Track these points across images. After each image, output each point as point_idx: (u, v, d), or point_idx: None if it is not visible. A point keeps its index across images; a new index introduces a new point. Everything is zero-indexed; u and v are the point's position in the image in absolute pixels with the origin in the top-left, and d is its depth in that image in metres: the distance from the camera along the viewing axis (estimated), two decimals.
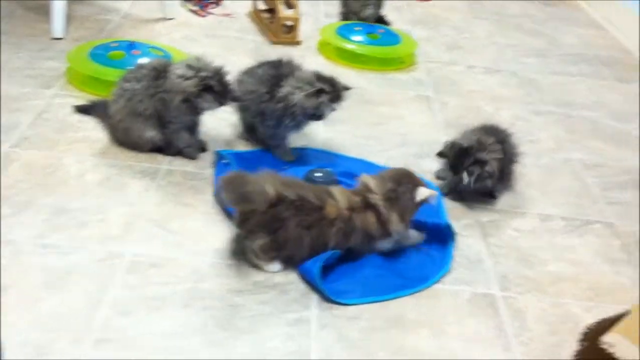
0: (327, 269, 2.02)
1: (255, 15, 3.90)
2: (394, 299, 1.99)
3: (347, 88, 2.47)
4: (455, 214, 2.40)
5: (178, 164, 2.46)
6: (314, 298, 1.95)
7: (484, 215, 2.43)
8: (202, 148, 2.56)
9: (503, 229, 2.38)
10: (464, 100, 3.30)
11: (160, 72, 2.40)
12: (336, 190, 2.05)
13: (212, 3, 4.00)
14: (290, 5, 3.65)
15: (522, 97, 3.45)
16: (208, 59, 2.40)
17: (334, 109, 2.42)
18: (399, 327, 1.89)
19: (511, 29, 4.41)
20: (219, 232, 2.14)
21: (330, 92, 2.39)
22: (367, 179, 2.07)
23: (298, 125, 2.49)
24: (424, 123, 3.04)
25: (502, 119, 3.13)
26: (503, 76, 3.66)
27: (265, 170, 2.03)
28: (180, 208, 2.24)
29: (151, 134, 2.44)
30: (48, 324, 1.73)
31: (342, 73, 2.52)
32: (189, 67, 2.36)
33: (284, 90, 2.41)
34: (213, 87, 2.35)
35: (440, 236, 2.22)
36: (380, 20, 3.95)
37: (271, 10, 3.76)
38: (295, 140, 2.63)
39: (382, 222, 2.02)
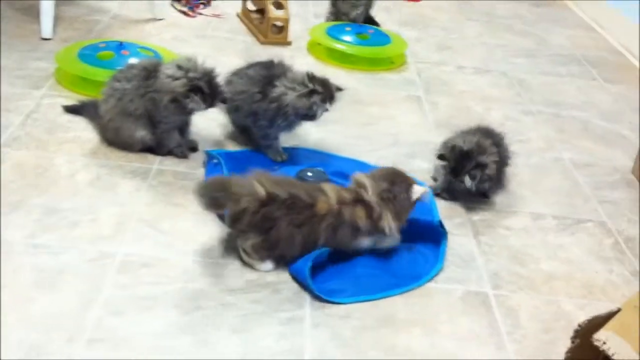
0: (319, 268, 2.02)
1: (245, 15, 3.90)
2: (386, 298, 1.99)
3: (339, 89, 2.47)
4: (447, 213, 2.40)
5: (169, 164, 2.45)
6: (307, 297, 1.94)
7: (475, 214, 2.44)
8: (193, 148, 2.55)
9: (495, 227, 2.39)
10: (454, 101, 3.30)
11: (150, 71, 2.40)
12: (327, 187, 2.04)
13: (201, 4, 3.99)
14: (279, 6, 3.65)
15: (512, 97, 3.46)
16: (199, 59, 2.39)
17: (327, 110, 2.42)
18: (392, 326, 1.89)
19: (500, 30, 4.42)
20: (210, 232, 2.13)
21: (322, 92, 2.39)
22: (361, 177, 2.07)
23: (290, 126, 2.49)
24: (414, 123, 3.04)
25: (493, 119, 3.14)
26: (493, 76, 3.67)
27: (256, 170, 2.03)
28: (171, 208, 2.23)
29: (142, 133, 2.43)
30: (40, 324, 1.72)
31: (332, 73, 2.52)
32: (179, 67, 2.36)
33: (277, 90, 2.41)
34: (202, 88, 2.34)
35: (433, 235, 2.22)
36: (370, 20, 3.96)
37: (261, 11, 3.76)
38: (287, 140, 2.62)
39: (373, 219, 2.02)
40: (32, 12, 3.40)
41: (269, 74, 2.48)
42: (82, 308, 1.79)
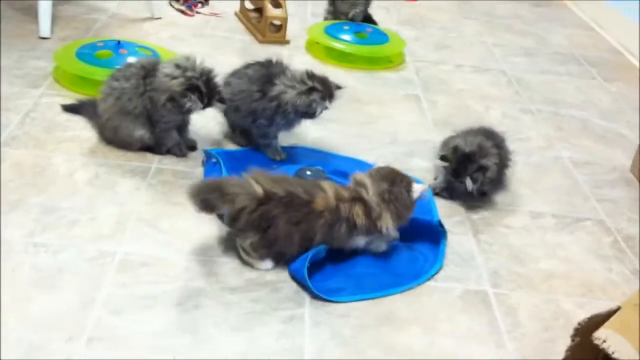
0: (319, 267, 2.02)
1: (243, 14, 3.90)
2: (386, 297, 1.98)
3: (339, 87, 2.47)
4: (446, 212, 2.40)
5: (168, 163, 2.45)
6: (307, 295, 1.94)
7: (475, 213, 2.43)
8: (192, 147, 2.55)
9: (494, 226, 2.39)
10: (453, 99, 3.30)
11: (149, 70, 2.39)
12: (326, 184, 2.04)
13: (199, 2, 3.99)
14: (277, 5, 3.65)
15: (511, 95, 3.46)
16: (198, 59, 2.39)
17: (326, 108, 2.42)
18: (391, 325, 1.89)
19: (499, 29, 4.42)
20: (210, 231, 2.12)
21: (322, 90, 2.39)
22: (361, 177, 2.06)
23: (290, 124, 2.49)
24: (413, 122, 3.04)
25: (492, 117, 3.15)
26: (492, 75, 3.67)
27: (253, 169, 2.02)
28: (171, 207, 2.22)
29: (140, 132, 2.43)
30: (39, 323, 1.71)
31: (331, 72, 2.52)
32: (177, 66, 2.35)
33: (277, 88, 2.41)
34: (199, 88, 2.34)
35: (432, 234, 2.22)
36: (368, 19, 3.95)
37: (259, 10, 3.76)
38: (286, 139, 2.62)
39: (372, 218, 2.01)
40: (31, 12, 3.40)
41: (267, 72, 2.48)
42: (81, 307, 1.78)
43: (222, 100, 2.45)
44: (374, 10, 4.02)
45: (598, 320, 1.62)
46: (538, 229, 2.41)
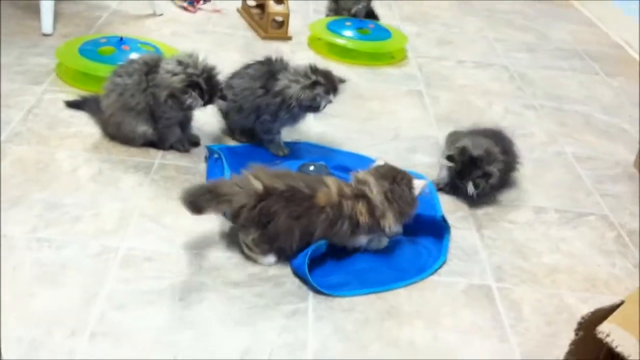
0: (322, 262, 2.02)
1: (245, 11, 3.89)
2: (389, 291, 1.98)
3: (342, 80, 2.47)
4: (450, 207, 2.40)
5: (171, 159, 2.45)
6: (310, 290, 1.94)
7: (478, 208, 2.43)
8: (195, 143, 2.55)
9: (497, 221, 2.38)
10: (455, 95, 3.30)
11: (151, 66, 2.39)
12: (329, 179, 2.04)
13: None
14: (279, 1, 3.64)
15: (514, 91, 3.46)
16: (201, 56, 2.39)
17: (330, 101, 2.42)
18: (394, 319, 1.89)
19: (501, 25, 4.42)
20: (213, 226, 2.12)
21: (325, 84, 2.39)
22: (364, 175, 2.05)
23: (294, 119, 2.49)
24: (415, 118, 3.04)
25: (494, 113, 3.15)
26: (494, 71, 3.66)
27: (254, 165, 2.02)
28: (174, 202, 2.20)
29: (143, 128, 2.43)
30: (43, 319, 1.72)
31: (333, 68, 2.52)
32: (179, 63, 2.35)
33: (281, 83, 2.41)
34: (199, 85, 2.33)
35: (436, 229, 2.21)
36: (370, 13, 3.94)
37: (261, 6, 3.76)
38: (288, 134, 2.62)
39: (375, 217, 2.01)
40: (31, 9, 3.40)
41: (269, 69, 2.49)
42: (84, 303, 1.78)
43: (223, 97, 2.44)
44: (375, 7, 4.01)
45: (601, 315, 1.62)
46: (541, 224, 2.41)
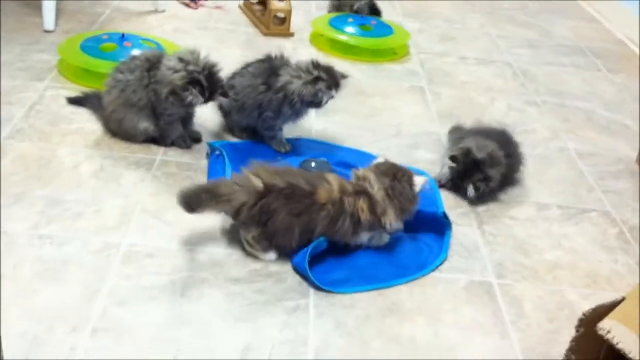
0: (323, 259, 2.02)
1: (247, 7, 3.89)
2: (390, 287, 1.98)
3: (344, 76, 2.47)
4: (451, 203, 2.40)
5: (173, 155, 2.45)
6: (311, 286, 1.94)
7: (479, 205, 2.43)
8: (197, 139, 2.55)
9: (499, 217, 2.38)
10: (457, 91, 3.30)
11: (153, 63, 2.39)
12: (331, 176, 2.03)
13: None
14: None
15: (516, 87, 3.45)
16: (203, 52, 2.39)
17: (332, 97, 2.42)
18: (395, 315, 1.89)
19: (503, 21, 4.41)
20: (214, 223, 2.12)
21: (327, 79, 2.39)
22: (364, 172, 2.05)
23: (297, 114, 2.49)
24: (417, 114, 3.03)
25: (497, 109, 3.15)
26: (496, 67, 3.66)
27: (253, 163, 2.02)
28: (175, 199, 2.22)
29: (145, 124, 2.43)
30: (44, 315, 1.72)
31: (335, 64, 2.52)
32: (180, 59, 2.35)
33: (282, 79, 2.41)
34: (200, 82, 2.33)
35: (437, 225, 2.21)
36: (374, 9, 3.94)
37: (263, 2, 3.75)
38: (290, 131, 2.62)
39: (376, 214, 2.01)
40: (32, 5, 3.41)
41: (270, 66, 2.49)
42: (86, 299, 1.79)
43: (224, 94, 2.44)
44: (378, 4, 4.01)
45: (602, 311, 1.62)
46: (543, 220, 2.41)
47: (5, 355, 1.59)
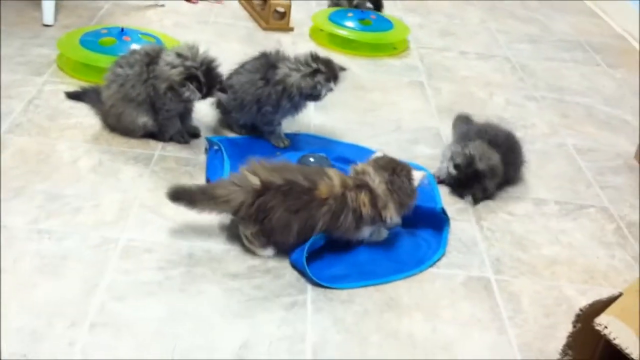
0: (321, 255, 2.02)
1: (247, 1, 3.89)
2: (388, 283, 1.99)
3: (343, 68, 2.48)
4: (449, 199, 2.40)
5: (171, 150, 2.45)
6: (309, 282, 1.94)
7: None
8: (195, 134, 2.55)
9: (497, 213, 2.39)
10: (457, 86, 3.30)
11: (153, 57, 2.39)
12: (331, 171, 2.03)
13: None
14: None
15: (515, 82, 3.45)
16: (202, 47, 2.38)
17: (331, 89, 2.42)
18: (393, 311, 1.89)
19: (504, 16, 4.41)
20: (213, 218, 2.12)
21: (326, 72, 2.39)
22: (363, 166, 2.05)
23: (296, 108, 2.49)
24: (417, 109, 3.03)
25: (496, 104, 3.15)
26: (496, 62, 3.66)
27: (251, 160, 2.02)
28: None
29: (144, 119, 2.43)
30: (43, 309, 1.72)
31: (335, 59, 2.52)
32: (178, 55, 2.35)
33: (281, 72, 2.41)
34: (197, 77, 2.33)
35: (435, 221, 2.22)
36: (376, 2, 3.93)
37: None
38: (289, 126, 2.62)
39: (377, 208, 2.01)
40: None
41: (267, 61, 2.49)
42: (84, 294, 1.79)
43: (223, 90, 2.44)
44: None
45: (599, 307, 1.62)
46: (541, 216, 2.41)
47: (4, 349, 1.59)
